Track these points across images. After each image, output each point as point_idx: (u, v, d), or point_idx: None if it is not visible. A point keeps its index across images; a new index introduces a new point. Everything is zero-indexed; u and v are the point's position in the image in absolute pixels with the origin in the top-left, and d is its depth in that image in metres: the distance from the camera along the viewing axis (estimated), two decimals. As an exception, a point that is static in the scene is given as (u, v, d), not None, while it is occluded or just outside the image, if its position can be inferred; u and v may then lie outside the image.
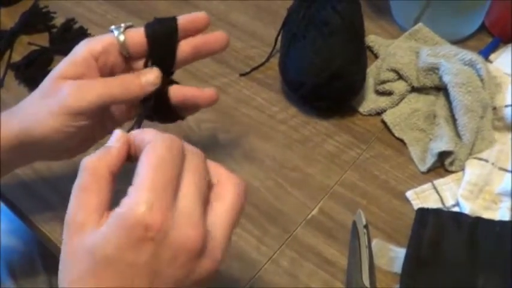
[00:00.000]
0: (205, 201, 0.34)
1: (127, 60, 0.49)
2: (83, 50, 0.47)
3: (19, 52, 0.77)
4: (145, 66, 0.49)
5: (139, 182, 0.32)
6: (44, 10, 0.82)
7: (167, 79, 0.50)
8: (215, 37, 0.50)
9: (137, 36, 0.48)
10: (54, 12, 0.82)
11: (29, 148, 0.47)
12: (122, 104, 0.50)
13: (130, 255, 0.31)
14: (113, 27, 0.48)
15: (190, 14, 0.49)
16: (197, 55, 0.50)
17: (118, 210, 0.31)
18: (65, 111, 0.45)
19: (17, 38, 0.79)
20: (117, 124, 0.51)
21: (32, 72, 0.73)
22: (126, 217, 0.31)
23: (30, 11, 0.82)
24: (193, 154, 0.34)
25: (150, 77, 0.47)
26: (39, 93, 0.47)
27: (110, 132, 0.51)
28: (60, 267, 0.33)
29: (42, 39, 0.78)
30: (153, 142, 0.33)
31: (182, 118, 0.53)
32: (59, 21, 0.81)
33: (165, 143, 0.33)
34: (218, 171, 0.36)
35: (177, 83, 0.51)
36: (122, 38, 0.47)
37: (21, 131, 0.46)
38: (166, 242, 0.31)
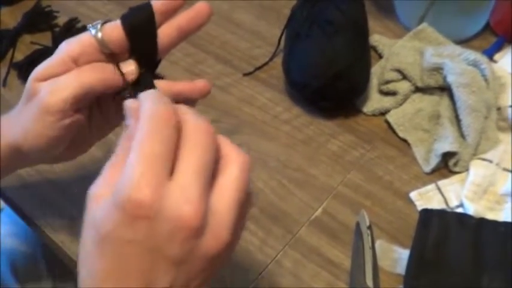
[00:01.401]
0: (209, 177, 0.32)
1: (111, 57, 0.46)
2: (61, 52, 0.45)
3: (22, 51, 0.77)
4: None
5: (130, 159, 0.31)
6: (46, 9, 0.82)
7: (153, 71, 0.47)
8: (196, 11, 0.47)
9: (114, 30, 0.44)
10: (57, 12, 0.82)
11: (21, 157, 0.46)
12: (103, 93, 0.46)
13: (128, 233, 0.30)
14: (89, 25, 0.45)
15: None
16: (183, 35, 0.47)
17: (115, 186, 0.31)
18: (44, 111, 0.43)
19: (20, 37, 0.79)
20: (113, 122, 0.49)
21: (35, 72, 0.73)
22: (118, 194, 0.30)
23: (33, 10, 0.82)
24: (195, 127, 0.33)
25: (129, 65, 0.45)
26: (22, 101, 0.46)
27: (109, 131, 0.50)
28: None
29: (45, 39, 0.79)
30: (145, 114, 0.33)
31: None
32: (61, 20, 0.81)
33: (155, 117, 0.32)
34: (224, 146, 0.35)
35: (162, 77, 0.48)
36: (99, 35, 0.44)
37: (14, 142, 0.45)
38: (161, 218, 0.30)
